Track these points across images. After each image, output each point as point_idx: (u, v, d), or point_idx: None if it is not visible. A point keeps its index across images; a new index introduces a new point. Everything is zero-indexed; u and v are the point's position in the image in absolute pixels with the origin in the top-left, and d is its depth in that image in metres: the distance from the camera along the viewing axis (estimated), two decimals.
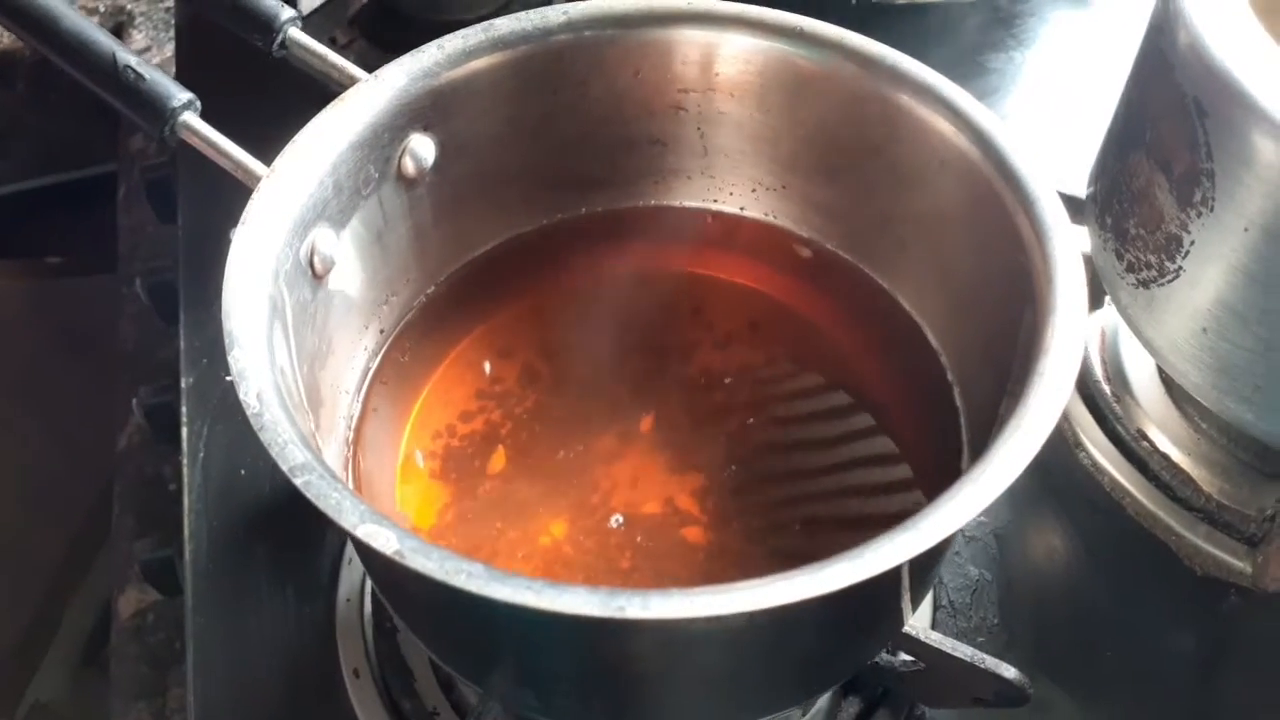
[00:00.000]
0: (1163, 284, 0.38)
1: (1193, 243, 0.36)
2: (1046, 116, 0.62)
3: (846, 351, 0.40)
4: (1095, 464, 0.46)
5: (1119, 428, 0.46)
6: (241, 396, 0.25)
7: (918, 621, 0.39)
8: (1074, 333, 0.28)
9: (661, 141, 0.40)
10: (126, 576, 0.49)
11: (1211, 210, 0.35)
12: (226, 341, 0.26)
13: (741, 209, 0.42)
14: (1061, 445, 0.46)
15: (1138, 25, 0.40)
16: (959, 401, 0.36)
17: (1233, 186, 0.34)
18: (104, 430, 0.56)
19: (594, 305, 0.42)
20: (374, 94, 0.33)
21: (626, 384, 0.39)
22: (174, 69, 0.68)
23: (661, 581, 0.34)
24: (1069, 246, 0.30)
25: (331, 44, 0.62)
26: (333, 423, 0.34)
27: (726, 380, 0.40)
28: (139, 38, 0.76)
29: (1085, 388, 0.48)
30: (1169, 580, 0.43)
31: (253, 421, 0.25)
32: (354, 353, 0.36)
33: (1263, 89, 0.33)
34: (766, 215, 0.42)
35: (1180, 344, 0.39)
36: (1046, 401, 0.27)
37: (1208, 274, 0.36)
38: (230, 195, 0.31)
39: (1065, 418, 0.47)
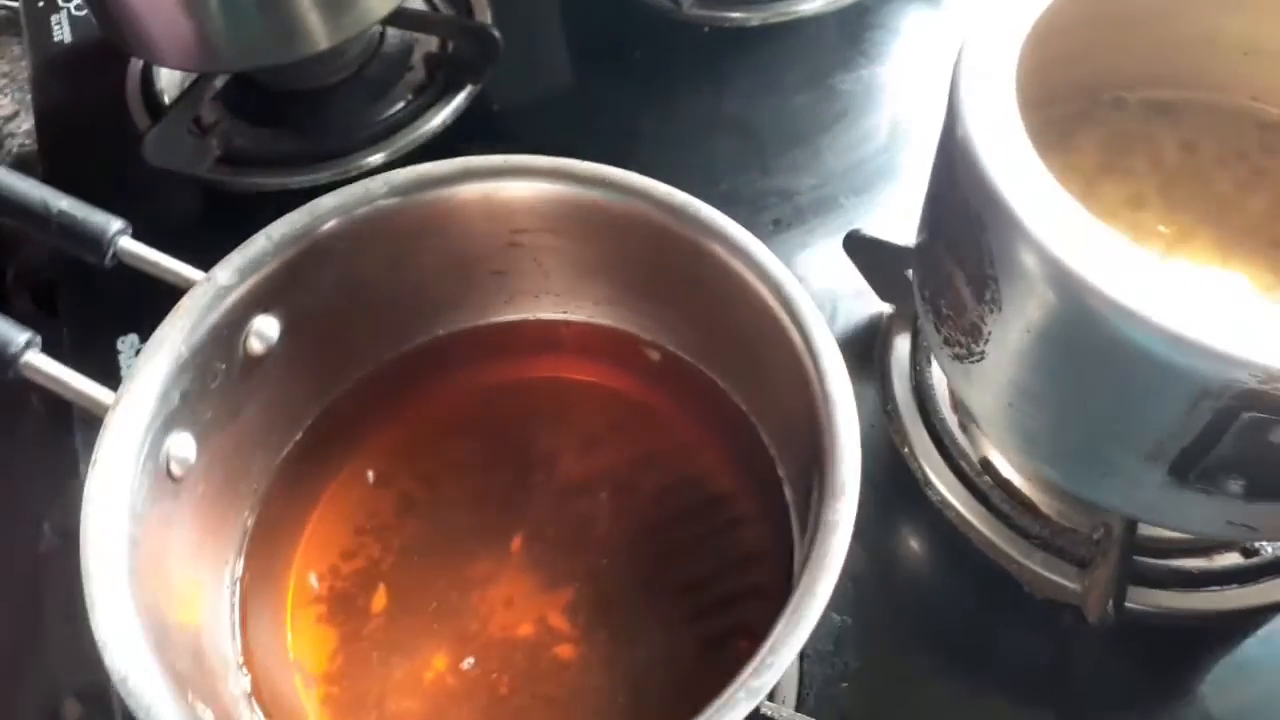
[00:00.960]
0: (971, 362, 0.42)
1: (990, 333, 0.40)
2: (892, 141, 0.64)
3: (698, 449, 0.43)
4: (942, 499, 0.50)
5: (963, 464, 0.50)
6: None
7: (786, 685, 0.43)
8: (849, 467, 0.32)
9: (503, 271, 0.43)
10: None
11: (1000, 310, 0.39)
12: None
13: (589, 318, 0.45)
14: (911, 484, 0.50)
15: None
16: (788, 496, 0.40)
17: (1012, 293, 0.37)
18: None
19: (459, 425, 0.45)
20: (208, 297, 0.35)
21: (497, 502, 0.42)
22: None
23: (537, 704, 0.37)
24: (840, 394, 0.33)
25: (197, 125, 0.63)
26: (218, 591, 0.37)
27: (590, 487, 0.43)
28: (4, 102, 0.75)
29: (931, 422, 0.52)
30: (1014, 607, 0.47)
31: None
32: (228, 520, 0.38)
33: (1030, 211, 0.36)
34: (613, 323, 0.45)
35: (992, 413, 0.43)
36: (830, 542, 0.30)
37: (1004, 362, 0.40)
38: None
39: (914, 457, 0.51)
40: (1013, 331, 0.39)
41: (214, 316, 0.35)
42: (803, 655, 0.46)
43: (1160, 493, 0.38)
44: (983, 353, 0.41)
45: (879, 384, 0.54)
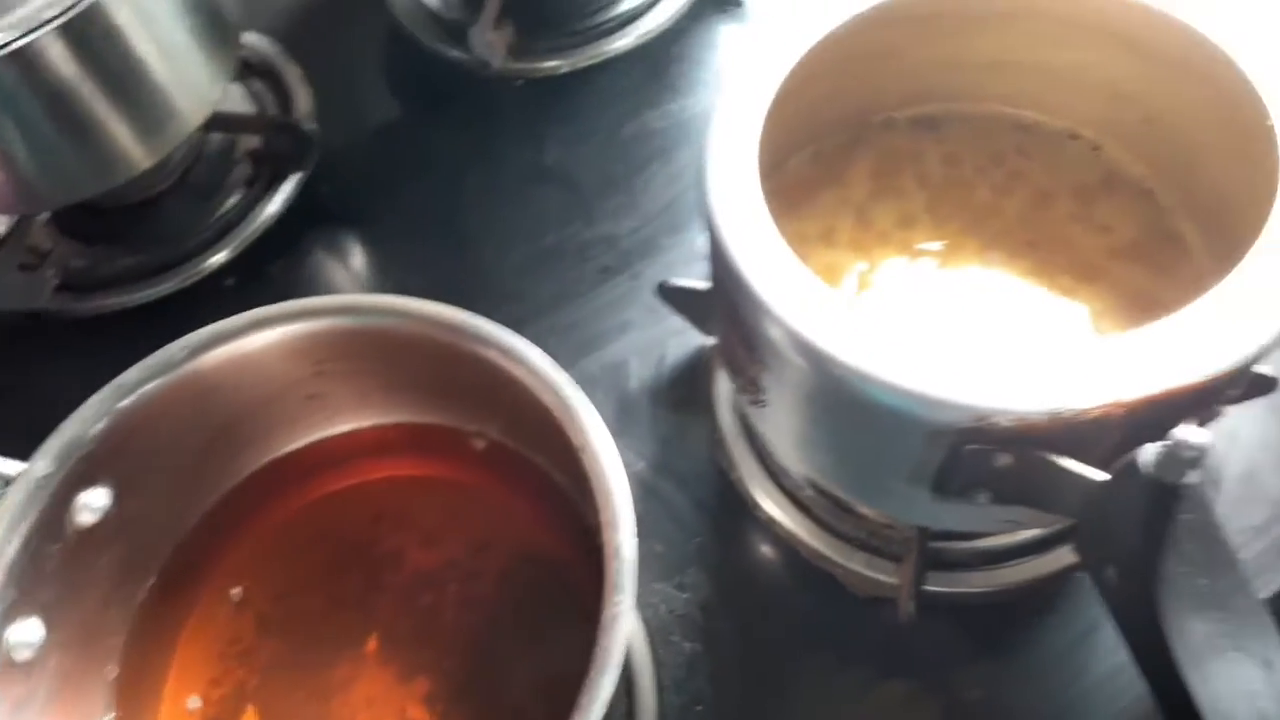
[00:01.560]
0: (760, 407, 0.46)
1: (766, 387, 0.44)
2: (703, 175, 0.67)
3: (533, 527, 0.47)
4: (770, 517, 0.54)
5: (785, 481, 0.55)
6: None
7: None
8: (626, 565, 0.35)
9: (317, 395, 0.46)
10: None
11: (768, 369, 0.43)
12: None
13: (413, 419, 0.48)
14: (742, 508, 0.55)
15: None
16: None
17: (771, 358, 0.41)
18: None
19: (306, 538, 0.48)
20: (27, 490, 0.37)
21: (349, 607, 0.46)
22: None
23: None
24: (612, 487, 0.37)
25: (33, 253, 0.64)
26: None
27: (436, 578, 0.46)
28: None
29: (756, 446, 0.56)
30: (843, 608, 0.52)
31: None
32: (90, 678, 0.41)
33: (769, 288, 0.39)
34: (436, 420, 0.48)
35: (786, 448, 0.47)
36: (609, 639, 0.34)
37: (783, 410, 0.44)
38: None
39: (742, 481, 0.55)
40: (781, 387, 0.43)
41: (37, 507, 0.37)
42: (660, 687, 0.50)
43: (932, 506, 0.42)
44: (766, 400, 0.45)
45: (707, 415, 0.58)
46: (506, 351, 0.39)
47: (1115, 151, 0.52)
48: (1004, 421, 0.35)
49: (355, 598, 0.46)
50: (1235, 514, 0.51)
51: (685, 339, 0.61)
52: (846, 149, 0.55)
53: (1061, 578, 0.50)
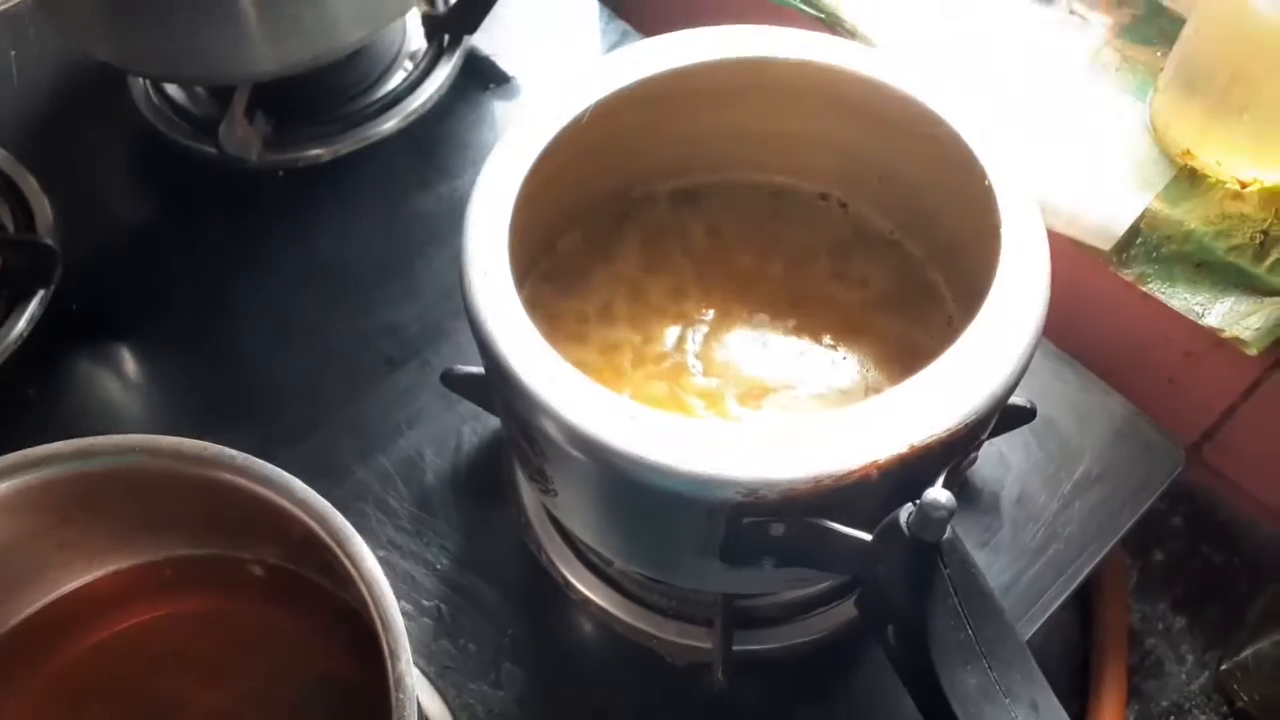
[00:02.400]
0: (550, 496, 0.46)
1: (552, 478, 0.44)
2: None
3: (323, 648, 0.45)
4: (583, 596, 0.54)
5: (593, 557, 0.54)
6: None
7: None
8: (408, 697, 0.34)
9: (69, 544, 0.42)
10: None
11: (549, 461, 0.42)
12: None
13: (187, 551, 0.45)
14: (554, 589, 0.54)
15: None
16: None
17: (549, 450, 0.41)
18: None
19: (83, 688, 0.44)
20: None
21: None
22: None
23: None
24: (389, 617, 0.36)
25: None
26: None
27: (229, 714, 0.43)
28: None
29: (561, 526, 0.55)
30: (663, 680, 0.52)
31: None
32: None
33: (536, 381, 0.39)
34: (209, 550, 0.45)
35: (581, 531, 0.47)
36: None
37: (571, 499, 0.44)
38: None
39: (552, 563, 0.55)
40: (566, 479, 0.43)
41: None
42: None
43: (724, 574, 0.43)
44: (555, 490, 0.45)
45: (511, 498, 0.57)
46: (264, 482, 0.37)
47: (861, 208, 0.56)
48: (771, 494, 0.36)
49: None
50: (1015, 537, 0.55)
51: (480, 423, 0.60)
52: (614, 226, 0.56)
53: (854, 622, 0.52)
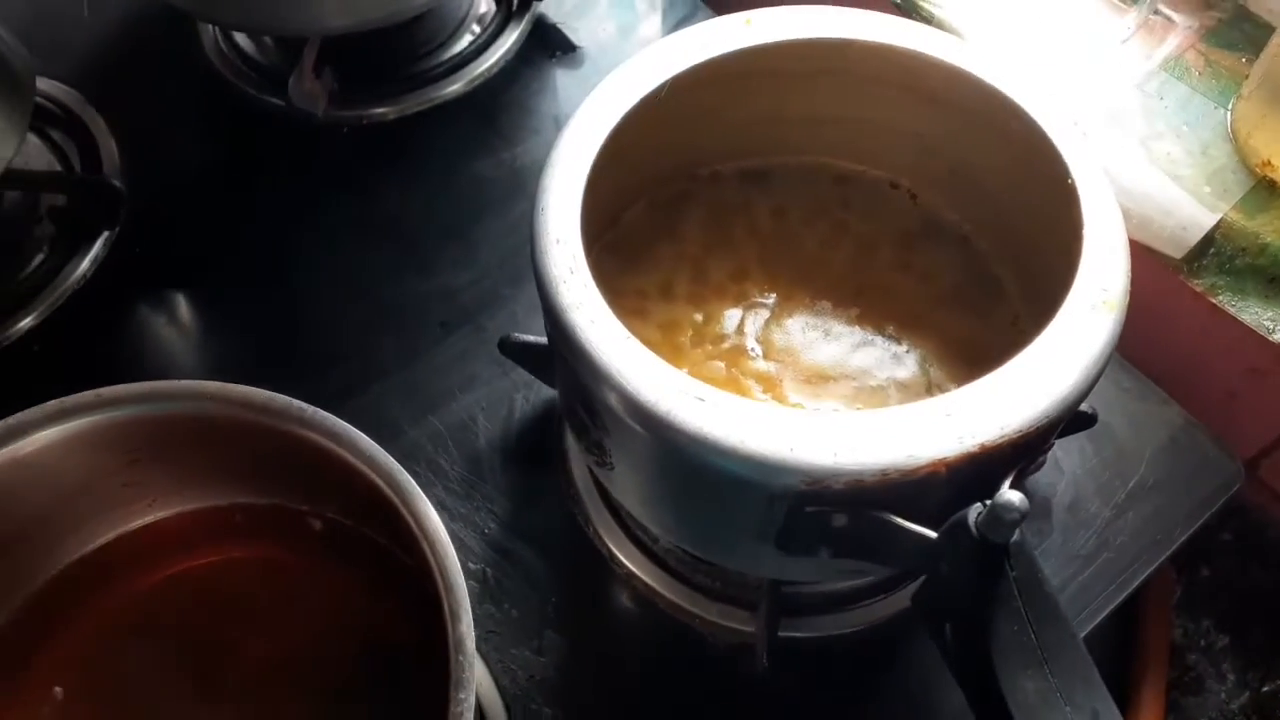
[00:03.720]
0: (607, 470, 0.46)
1: (611, 451, 0.44)
2: None
3: (378, 608, 0.45)
4: (628, 571, 0.54)
5: (640, 534, 0.54)
6: None
7: None
8: (468, 660, 0.34)
9: (135, 483, 0.43)
10: None
11: (610, 434, 0.42)
12: None
13: (246, 499, 0.45)
14: (600, 562, 0.54)
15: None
16: None
17: (613, 425, 0.41)
18: None
19: (138, 626, 0.44)
20: None
21: (189, 697, 0.43)
22: None
23: None
24: (451, 580, 0.36)
25: None
26: None
27: (281, 664, 0.44)
28: None
29: (610, 500, 0.56)
30: (703, 660, 0.52)
31: None
32: None
33: (608, 358, 0.39)
34: (269, 500, 0.45)
35: (635, 507, 0.47)
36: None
37: (628, 474, 0.44)
38: None
39: (599, 536, 0.55)
40: (624, 453, 0.43)
41: None
42: None
43: (777, 560, 0.43)
44: (612, 464, 0.45)
45: (560, 469, 0.57)
46: (331, 436, 0.37)
47: (931, 199, 0.55)
48: (837, 484, 0.36)
49: (190, 693, 0.43)
50: (1065, 543, 0.54)
51: (533, 391, 0.60)
52: (679, 203, 0.55)
53: (911, 615, 0.52)
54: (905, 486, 0.36)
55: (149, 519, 0.45)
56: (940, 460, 0.36)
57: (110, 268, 0.65)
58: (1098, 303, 0.40)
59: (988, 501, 0.34)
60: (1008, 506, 0.32)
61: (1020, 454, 0.37)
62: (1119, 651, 0.64)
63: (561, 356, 0.42)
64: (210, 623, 0.45)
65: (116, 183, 0.63)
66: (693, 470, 0.39)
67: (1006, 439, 0.37)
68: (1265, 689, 0.62)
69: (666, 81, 0.47)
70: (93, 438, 0.39)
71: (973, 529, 0.33)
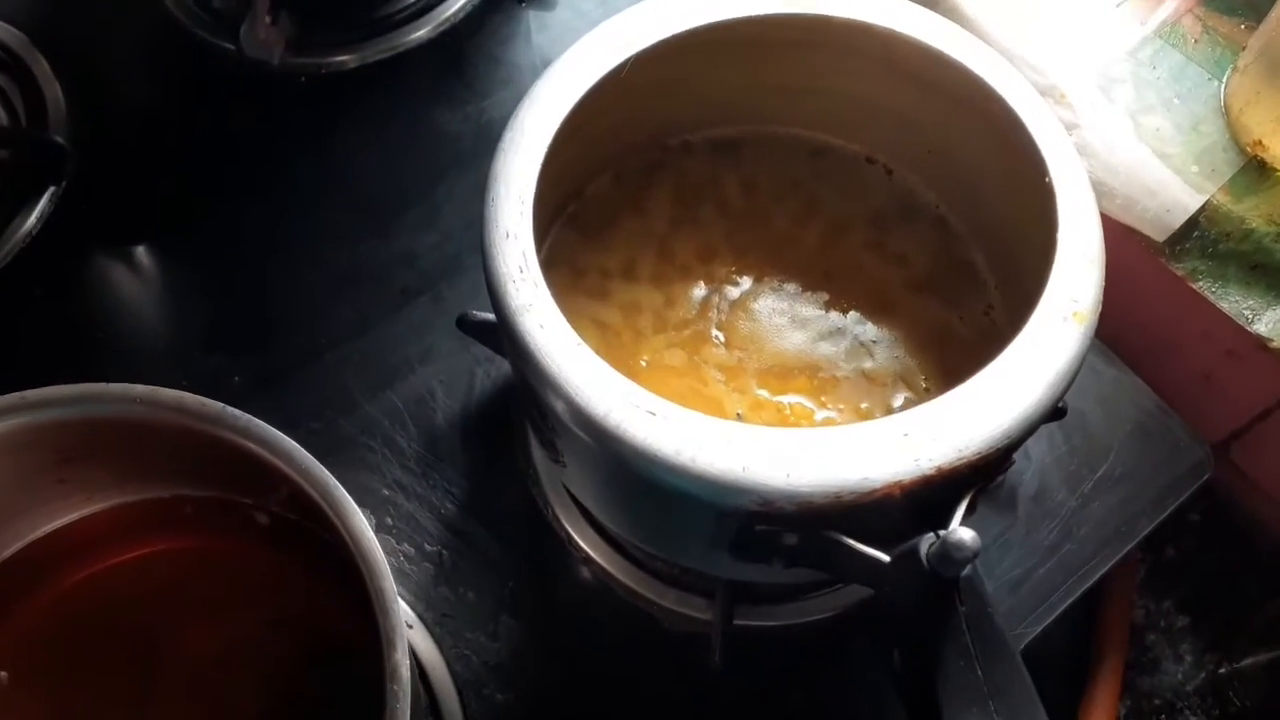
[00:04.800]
0: (560, 466, 0.45)
1: (562, 450, 0.42)
2: None
3: (324, 603, 0.44)
4: (585, 554, 0.53)
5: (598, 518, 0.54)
6: None
7: None
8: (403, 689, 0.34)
9: (68, 480, 0.41)
10: None
11: (559, 435, 0.41)
12: None
13: (189, 491, 0.44)
14: (558, 545, 0.54)
15: None
16: None
17: (561, 431, 0.40)
18: None
19: (79, 618, 0.44)
20: None
21: (129, 692, 0.42)
22: None
23: None
24: (387, 604, 0.35)
25: None
26: None
27: (220, 658, 0.43)
28: None
29: None
30: (659, 647, 0.52)
31: None
32: None
33: (556, 365, 0.38)
34: (211, 492, 0.44)
35: (589, 502, 0.46)
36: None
37: (579, 473, 0.43)
38: None
39: (557, 518, 0.54)
40: (575, 457, 0.41)
41: None
42: None
43: (732, 563, 0.42)
44: (564, 463, 0.44)
45: (520, 448, 0.56)
46: (262, 444, 0.36)
47: (908, 177, 0.53)
48: (788, 506, 0.35)
49: (135, 681, 0.42)
50: (1029, 533, 0.53)
51: (494, 366, 0.59)
52: (646, 174, 0.53)
53: (863, 607, 0.51)
54: (859, 509, 0.35)
55: (87, 511, 0.43)
56: (895, 483, 0.35)
57: (57, 223, 0.62)
58: (1068, 314, 0.38)
59: (940, 533, 0.33)
60: (959, 545, 0.31)
61: (979, 475, 0.36)
62: (1079, 630, 0.64)
63: (512, 359, 0.40)
64: (154, 612, 0.44)
65: (60, 139, 0.60)
66: (641, 484, 0.37)
67: (965, 461, 0.35)
68: (1222, 671, 0.63)
69: (629, 58, 0.44)
70: (21, 438, 0.37)
71: (924, 561, 0.33)
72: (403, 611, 0.51)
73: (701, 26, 0.46)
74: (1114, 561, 0.53)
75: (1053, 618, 0.51)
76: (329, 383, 0.57)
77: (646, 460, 0.36)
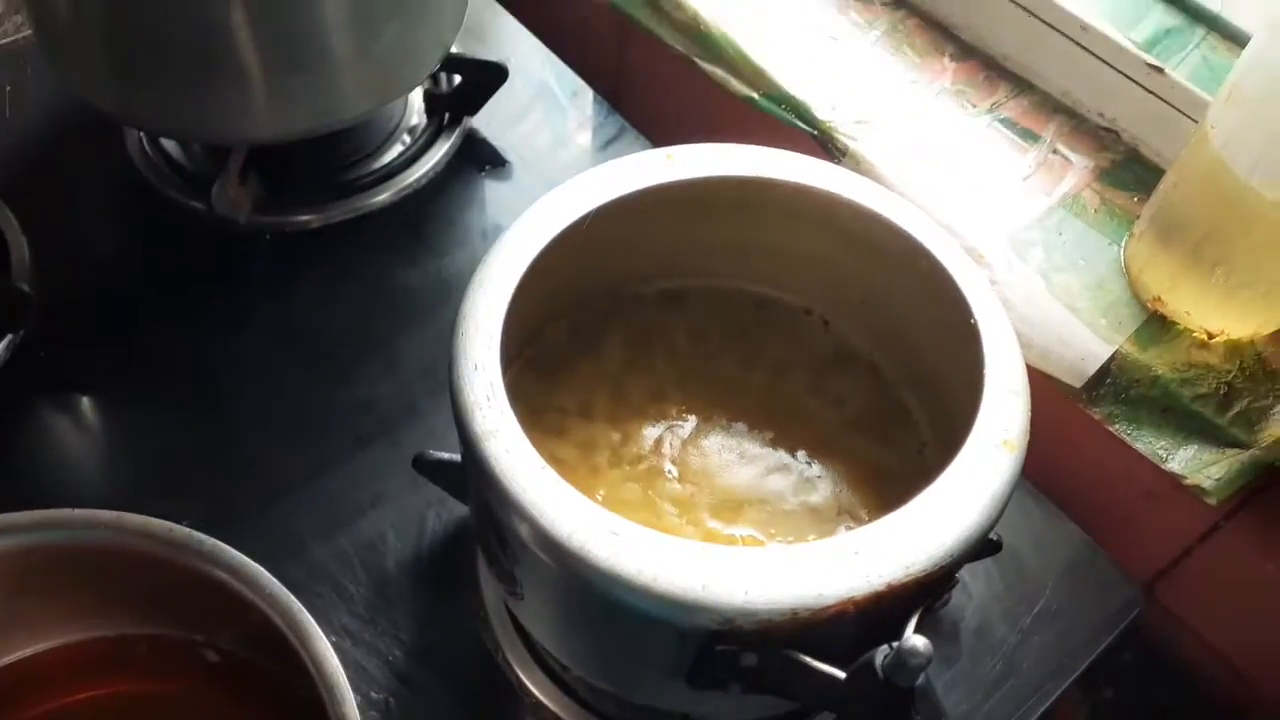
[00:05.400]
0: (517, 599, 0.45)
1: (521, 581, 0.43)
2: None
3: None
4: (537, 701, 0.53)
5: (550, 661, 0.53)
6: None
7: None
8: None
9: (17, 612, 0.41)
10: None
11: (520, 564, 0.42)
12: None
13: (136, 630, 0.43)
14: (507, 689, 0.53)
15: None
16: None
17: (522, 556, 0.41)
18: None
19: None
20: None
21: None
22: None
23: None
24: (345, 705, 0.35)
25: None
26: None
27: None
28: None
29: (521, 625, 0.54)
30: None
31: None
32: None
33: (519, 488, 0.39)
34: (161, 630, 0.44)
35: (544, 638, 0.46)
36: None
37: (538, 605, 0.44)
38: None
39: (508, 662, 0.53)
40: (534, 584, 0.42)
41: None
42: None
43: (687, 694, 0.42)
44: (522, 594, 0.44)
45: (471, 592, 0.56)
46: (230, 570, 0.36)
47: (842, 327, 0.56)
48: (747, 624, 0.36)
49: None
50: (973, 669, 0.55)
51: (446, 509, 0.59)
52: (600, 321, 0.56)
53: None
54: (815, 625, 0.36)
55: (26, 652, 0.42)
56: (849, 599, 0.36)
57: (13, 370, 0.62)
58: (999, 442, 0.41)
59: (894, 644, 0.34)
60: (912, 652, 0.32)
61: (925, 591, 0.38)
62: None
63: (475, 485, 0.42)
64: None
65: (25, 287, 0.61)
66: (603, 606, 0.38)
67: (912, 577, 0.37)
68: None
69: (589, 214, 0.48)
70: None
71: (879, 672, 0.34)
72: None
73: (656, 186, 0.50)
74: (1055, 696, 0.54)
75: None
76: (279, 526, 0.57)
77: (609, 580, 0.37)
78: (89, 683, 0.44)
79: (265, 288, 0.68)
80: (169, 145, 0.74)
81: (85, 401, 0.63)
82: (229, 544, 0.56)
